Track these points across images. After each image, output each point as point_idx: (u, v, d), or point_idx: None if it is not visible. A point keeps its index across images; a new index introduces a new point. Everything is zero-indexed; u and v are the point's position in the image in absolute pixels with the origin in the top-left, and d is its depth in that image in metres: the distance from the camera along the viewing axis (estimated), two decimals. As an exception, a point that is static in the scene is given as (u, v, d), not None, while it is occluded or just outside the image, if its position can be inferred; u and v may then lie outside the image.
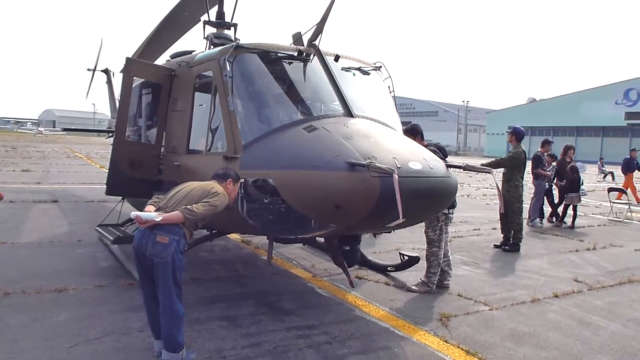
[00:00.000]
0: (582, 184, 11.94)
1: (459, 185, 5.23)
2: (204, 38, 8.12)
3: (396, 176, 3.78)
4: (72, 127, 28.50)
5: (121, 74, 12.79)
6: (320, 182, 4.14)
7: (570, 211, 12.08)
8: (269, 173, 4.44)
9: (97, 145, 53.52)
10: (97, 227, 7.40)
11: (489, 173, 4.63)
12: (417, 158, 4.39)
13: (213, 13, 7.96)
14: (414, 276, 6.70)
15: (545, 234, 10.97)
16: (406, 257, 6.78)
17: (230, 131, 4.96)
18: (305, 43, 5.77)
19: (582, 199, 11.93)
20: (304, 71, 5.42)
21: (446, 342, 4.69)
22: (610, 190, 14.21)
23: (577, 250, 9.17)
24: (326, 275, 6.85)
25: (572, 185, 11.88)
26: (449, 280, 6.50)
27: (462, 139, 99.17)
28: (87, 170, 22.31)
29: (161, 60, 8.83)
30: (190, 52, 7.68)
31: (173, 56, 7.77)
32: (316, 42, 5.61)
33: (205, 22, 8.01)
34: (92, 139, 77.05)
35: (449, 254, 6.56)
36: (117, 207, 8.11)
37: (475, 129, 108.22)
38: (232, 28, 8.15)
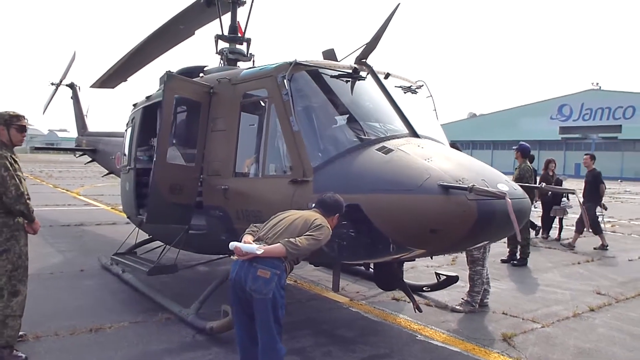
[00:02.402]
0: (566, 197, 12.48)
1: None
2: (217, 53, 7.80)
3: (509, 200, 3.72)
4: (39, 146, 26.22)
5: (91, 89, 12.37)
6: (415, 206, 3.99)
7: (555, 224, 12.58)
8: (353, 197, 4.24)
9: (37, 163, 50.36)
10: (113, 256, 6.82)
11: (573, 193, 4.68)
12: (501, 179, 4.35)
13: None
14: (443, 295, 6.67)
15: (538, 247, 11.34)
16: (443, 277, 6.73)
17: (296, 153, 4.71)
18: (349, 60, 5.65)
19: (567, 211, 12.47)
20: (361, 90, 5.28)
21: (524, 364, 4.65)
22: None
23: (579, 263, 9.53)
24: (361, 297, 6.68)
25: (555, 198, 12.39)
26: (488, 299, 6.50)
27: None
28: (40, 190, 20.74)
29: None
30: (202, 68, 7.33)
31: (183, 72, 7.38)
32: (366, 60, 5.50)
33: (217, 37, 7.70)
34: (28, 156, 72.25)
35: (488, 272, 6.58)
36: (119, 232, 7.54)
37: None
38: (245, 43, 7.88)
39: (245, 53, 7.74)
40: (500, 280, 8.04)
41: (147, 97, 7.10)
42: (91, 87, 12.46)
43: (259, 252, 3.53)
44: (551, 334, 5.50)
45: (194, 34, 9.21)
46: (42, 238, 10.22)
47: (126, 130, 8.00)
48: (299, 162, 4.67)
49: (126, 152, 7.79)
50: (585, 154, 11.74)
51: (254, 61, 7.77)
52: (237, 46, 7.79)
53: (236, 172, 5.38)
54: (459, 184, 3.91)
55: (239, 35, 7.75)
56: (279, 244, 3.59)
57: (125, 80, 11.65)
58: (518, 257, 9.23)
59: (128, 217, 8.08)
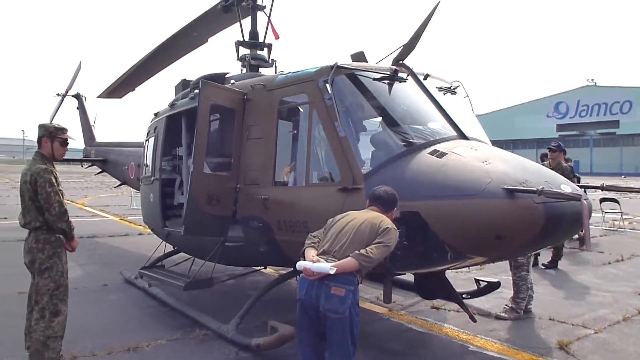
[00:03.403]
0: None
1: None
2: (238, 59, 7.59)
3: (585, 202, 3.51)
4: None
5: (103, 98, 12.11)
6: (479, 212, 3.77)
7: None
8: (411, 204, 4.01)
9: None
10: (140, 271, 6.56)
11: (638, 192, 4.47)
12: (561, 180, 4.13)
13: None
14: (482, 302, 6.45)
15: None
16: (484, 283, 6.49)
17: (344, 160, 4.48)
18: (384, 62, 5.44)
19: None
20: (403, 92, 5.07)
21: (591, 374, 4.44)
22: (602, 200, 14.80)
23: (609, 263, 9.33)
24: (399, 307, 6.44)
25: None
26: (531, 304, 6.29)
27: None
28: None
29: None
30: (224, 75, 7.10)
31: (205, 79, 7.16)
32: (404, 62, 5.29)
33: (238, 43, 7.49)
34: (20, 167, 71.58)
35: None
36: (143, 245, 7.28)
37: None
38: (266, 48, 7.67)
39: (267, 59, 7.54)
40: (535, 284, 7.78)
41: (171, 106, 6.85)
42: (98, 97, 12.22)
43: (332, 272, 3.28)
44: (607, 340, 5.28)
45: (207, 41, 9.01)
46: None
47: (147, 141, 7.74)
48: (347, 169, 4.45)
49: (148, 162, 7.54)
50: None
51: (276, 67, 7.58)
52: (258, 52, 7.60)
53: (276, 180, 5.15)
54: (523, 187, 3.70)
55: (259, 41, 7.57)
56: (350, 258, 3.34)
57: (134, 89, 11.43)
58: (550, 259, 8.99)
59: (152, 229, 7.82)
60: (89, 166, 14.36)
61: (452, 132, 4.79)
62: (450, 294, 5.35)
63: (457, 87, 5.80)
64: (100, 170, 13.42)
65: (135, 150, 10.96)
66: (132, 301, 6.61)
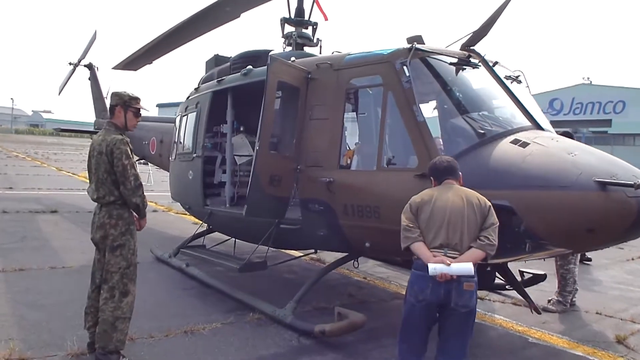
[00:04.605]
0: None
1: None
2: (283, 37, 7.37)
3: None
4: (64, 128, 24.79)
5: (117, 71, 11.76)
6: (572, 204, 3.69)
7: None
8: (499, 194, 3.91)
9: (27, 144, 48.94)
10: (182, 250, 6.40)
11: None
12: None
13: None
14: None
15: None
16: (529, 275, 6.46)
17: (422, 145, 4.35)
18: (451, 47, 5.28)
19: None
20: (477, 78, 4.94)
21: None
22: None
23: (633, 259, 9.41)
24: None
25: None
26: (576, 297, 6.28)
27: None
28: (47, 174, 20.04)
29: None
30: (267, 52, 6.87)
31: (244, 56, 6.93)
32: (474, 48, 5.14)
33: (284, 20, 7.26)
34: (12, 136, 70.29)
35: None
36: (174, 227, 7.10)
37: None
38: (311, 27, 7.45)
39: (312, 38, 7.33)
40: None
41: (219, 81, 6.62)
42: (114, 68, 11.90)
43: (473, 272, 3.18)
44: (661, 336, 5.30)
45: (239, 16, 8.72)
46: (76, 224, 9.75)
47: (184, 116, 7.50)
48: (426, 155, 4.30)
49: (185, 139, 7.32)
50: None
51: (321, 47, 7.38)
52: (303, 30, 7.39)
53: (342, 163, 5.00)
54: (614, 180, 3.63)
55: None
56: (475, 250, 3.26)
57: (151, 62, 11.15)
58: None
59: (187, 208, 7.63)
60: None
61: (527, 122, 4.69)
62: (513, 285, 5.30)
63: (519, 76, 5.69)
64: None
65: (157, 125, 10.69)
66: (171, 281, 6.46)
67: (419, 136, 4.38)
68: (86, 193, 4.23)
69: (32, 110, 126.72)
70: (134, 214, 4.06)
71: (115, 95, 4.11)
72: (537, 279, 6.39)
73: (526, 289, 6.38)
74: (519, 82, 5.49)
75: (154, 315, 5.07)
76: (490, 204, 3.45)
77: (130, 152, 3.93)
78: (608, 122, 71.29)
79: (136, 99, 4.14)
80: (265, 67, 6.13)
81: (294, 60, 5.51)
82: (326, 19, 7.25)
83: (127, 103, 4.08)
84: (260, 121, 4.90)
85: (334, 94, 5.07)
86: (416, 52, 4.61)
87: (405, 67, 4.54)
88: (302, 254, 6.73)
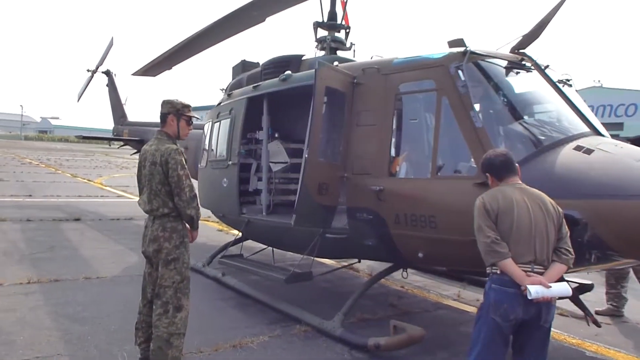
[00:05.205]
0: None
1: None
2: (316, 40, 7.24)
3: None
4: (86, 135, 24.56)
5: (138, 77, 11.70)
6: None
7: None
8: (568, 203, 3.73)
9: (37, 151, 49.24)
10: (221, 259, 6.26)
11: None
12: None
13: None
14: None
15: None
16: (575, 284, 6.25)
17: (481, 152, 4.13)
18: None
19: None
20: (531, 82, 4.79)
21: None
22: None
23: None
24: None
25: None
26: (624, 307, 6.09)
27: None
28: (63, 180, 20.01)
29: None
30: (300, 57, 6.75)
31: (275, 61, 6.81)
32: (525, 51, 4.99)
33: (317, 24, 7.14)
34: (22, 143, 70.74)
35: (625, 279, 6.15)
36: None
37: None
38: (344, 31, 7.33)
39: (345, 42, 7.22)
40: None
41: (255, 87, 6.50)
42: (133, 74, 11.89)
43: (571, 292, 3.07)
44: None
45: (264, 20, 8.64)
46: (101, 233, 9.66)
47: (216, 122, 7.38)
48: None
49: (217, 146, 7.20)
50: None
51: (354, 51, 7.26)
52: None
53: (392, 171, 4.84)
54: None
55: (342, 23, 7.23)
56: (561, 265, 3.09)
57: (170, 68, 11.15)
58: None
59: (220, 216, 7.50)
60: (121, 146, 13.97)
61: (585, 128, 4.54)
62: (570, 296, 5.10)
63: (570, 80, 5.53)
64: (135, 150, 13.01)
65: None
66: (208, 291, 6.31)
67: (477, 143, 4.23)
68: (137, 205, 4.12)
69: (41, 117, 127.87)
70: (187, 225, 3.94)
71: (167, 103, 3.99)
72: (584, 288, 6.19)
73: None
74: (570, 85, 5.33)
75: (199, 328, 4.92)
76: (560, 209, 3.28)
77: (185, 163, 3.81)
78: (620, 126, 70.58)
79: (188, 107, 4.02)
80: (304, 72, 6.06)
81: (337, 65, 5.39)
82: (347, 24, 7.13)
83: (179, 111, 3.96)
84: (308, 128, 4.77)
85: (382, 99, 4.93)
86: (471, 56, 4.47)
87: (460, 71, 4.41)
88: (346, 264, 6.58)
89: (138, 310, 4.03)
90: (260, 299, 5.80)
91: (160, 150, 3.80)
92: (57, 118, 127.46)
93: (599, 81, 75.45)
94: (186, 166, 3.82)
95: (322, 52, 7.19)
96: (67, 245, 8.34)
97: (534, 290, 2.89)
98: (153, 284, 3.91)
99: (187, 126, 4.02)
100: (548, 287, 2.93)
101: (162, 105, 4.01)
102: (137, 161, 4.09)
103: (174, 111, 3.94)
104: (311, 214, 4.87)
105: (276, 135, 6.76)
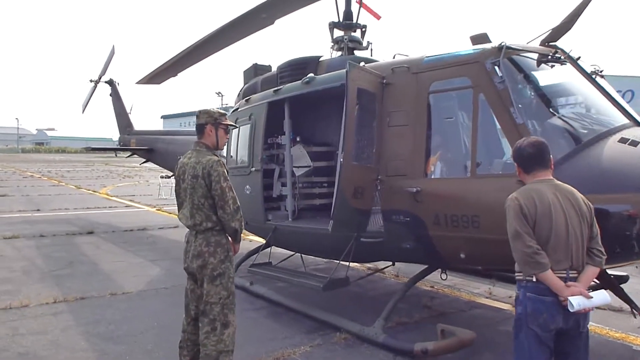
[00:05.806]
0: None
1: None
2: (332, 41, 7.13)
3: None
4: (96, 147, 24.18)
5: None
6: None
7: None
8: (617, 197, 3.67)
9: (36, 163, 48.99)
10: (250, 269, 6.15)
11: None
12: None
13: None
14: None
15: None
16: (610, 276, 6.16)
17: (524, 149, 4.09)
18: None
19: None
20: (568, 76, 4.69)
21: None
22: None
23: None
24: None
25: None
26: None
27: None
28: (68, 192, 19.84)
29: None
30: (317, 58, 6.64)
31: (292, 64, 6.70)
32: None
33: (332, 24, 7.03)
34: (20, 156, 70.36)
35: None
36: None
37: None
38: (359, 30, 7.21)
39: (361, 41, 7.10)
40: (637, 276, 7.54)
41: (275, 91, 6.38)
42: (137, 83, 11.73)
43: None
44: None
45: (274, 23, 8.52)
46: (117, 246, 9.53)
47: (234, 129, 7.25)
48: None
49: (238, 152, 7.07)
50: None
51: (371, 50, 7.14)
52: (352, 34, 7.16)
53: (428, 171, 4.74)
54: None
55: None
56: (594, 268, 2.92)
57: (176, 75, 10.99)
58: None
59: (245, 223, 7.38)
60: (129, 156, 13.82)
61: (625, 119, 4.44)
62: (613, 288, 5.01)
63: (602, 70, 5.43)
64: (144, 160, 12.87)
65: (192, 139, 10.47)
66: (237, 301, 6.10)
67: (519, 139, 4.11)
68: (178, 220, 4.00)
69: (36, 129, 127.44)
70: (230, 239, 3.82)
71: (204, 113, 3.87)
72: (620, 280, 6.10)
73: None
74: (602, 76, 5.23)
75: (237, 342, 4.80)
76: (592, 206, 3.02)
77: (227, 174, 3.69)
78: (616, 111, 71.29)
79: (225, 115, 3.91)
80: (328, 74, 5.92)
81: (364, 65, 5.28)
82: (378, 18, 7.01)
83: (217, 120, 3.84)
84: (342, 131, 4.66)
85: (414, 99, 4.82)
86: (507, 51, 4.37)
87: (496, 67, 4.30)
88: (382, 267, 6.48)
89: (182, 329, 3.91)
90: (294, 307, 5.69)
91: (202, 162, 3.67)
92: (53, 129, 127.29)
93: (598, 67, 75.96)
94: (229, 178, 3.70)
95: (339, 53, 7.08)
96: (85, 260, 8.21)
97: (576, 303, 2.72)
98: (197, 301, 3.79)
99: (225, 135, 3.91)
100: (589, 298, 2.78)
101: (198, 115, 3.89)
102: (176, 175, 3.95)
103: (211, 121, 3.82)
104: (348, 219, 4.77)
105: (297, 139, 6.66)
